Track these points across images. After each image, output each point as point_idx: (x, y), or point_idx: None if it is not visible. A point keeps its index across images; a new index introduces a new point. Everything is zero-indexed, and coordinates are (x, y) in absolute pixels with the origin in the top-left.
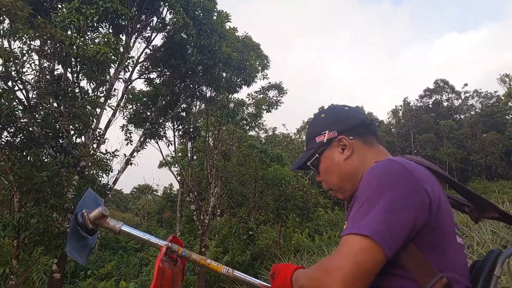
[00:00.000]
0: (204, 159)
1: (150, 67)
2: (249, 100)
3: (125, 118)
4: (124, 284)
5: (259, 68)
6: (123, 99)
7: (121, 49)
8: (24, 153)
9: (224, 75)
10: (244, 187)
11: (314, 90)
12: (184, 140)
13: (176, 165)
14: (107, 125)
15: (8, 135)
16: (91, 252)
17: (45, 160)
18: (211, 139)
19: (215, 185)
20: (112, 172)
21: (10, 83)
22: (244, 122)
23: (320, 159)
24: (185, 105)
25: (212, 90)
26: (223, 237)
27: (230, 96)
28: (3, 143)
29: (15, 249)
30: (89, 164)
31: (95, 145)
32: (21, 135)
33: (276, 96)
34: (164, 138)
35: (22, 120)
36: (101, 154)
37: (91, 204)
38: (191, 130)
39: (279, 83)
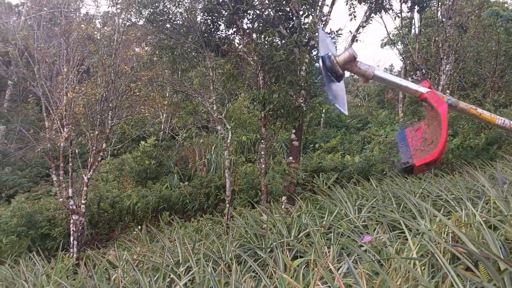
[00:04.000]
0: (433, 34)
1: None
2: None
3: None
4: (349, 158)
5: None
6: None
7: None
8: (263, 35)
9: None
10: (480, 65)
11: None
12: (411, 12)
13: (400, 42)
14: (333, 3)
15: (248, 21)
16: (318, 128)
17: (280, 41)
18: (443, 9)
19: (447, 62)
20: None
21: None
22: None
23: None
24: None
25: None
26: (452, 119)
27: None
28: (246, 27)
29: (263, 119)
30: (317, 43)
31: (322, 24)
32: (258, 19)
33: None
34: (390, 11)
35: (258, 4)
36: (327, 33)
37: (329, 47)
38: None
39: None
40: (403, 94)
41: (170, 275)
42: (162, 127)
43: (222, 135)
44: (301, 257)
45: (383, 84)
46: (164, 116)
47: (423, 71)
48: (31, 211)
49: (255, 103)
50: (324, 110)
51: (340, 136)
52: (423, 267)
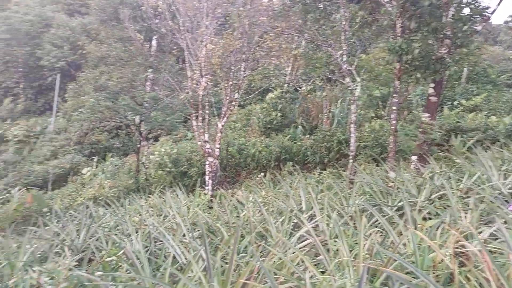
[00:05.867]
0: None
1: None
2: None
3: None
4: (495, 119)
5: None
6: None
7: None
8: None
9: None
10: None
11: None
12: None
13: None
14: None
15: None
16: (458, 84)
17: None
18: None
19: None
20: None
21: None
22: None
23: None
24: None
25: None
26: None
27: None
28: None
29: (398, 71)
30: None
31: None
32: None
33: None
34: None
35: None
36: None
37: None
38: None
39: None
40: None
41: (294, 219)
42: (287, 79)
43: (350, 88)
44: (430, 219)
45: None
46: (290, 68)
47: None
48: (177, 152)
49: (390, 53)
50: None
51: (485, 94)
52: None
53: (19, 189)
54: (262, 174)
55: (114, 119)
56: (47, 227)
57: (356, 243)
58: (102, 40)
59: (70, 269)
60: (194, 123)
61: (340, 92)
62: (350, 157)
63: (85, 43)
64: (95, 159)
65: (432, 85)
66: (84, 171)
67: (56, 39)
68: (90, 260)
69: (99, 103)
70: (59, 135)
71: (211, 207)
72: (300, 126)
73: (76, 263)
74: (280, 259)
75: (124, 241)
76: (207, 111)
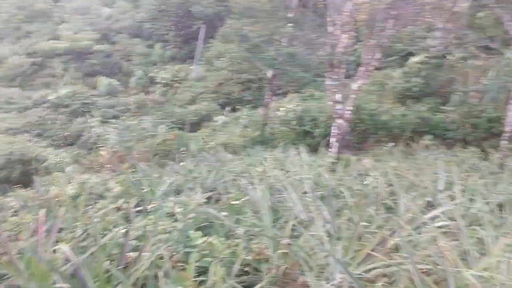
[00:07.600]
0: None
1: None
2: None
3: None
4: None
5: None
6: None
7: None
8: None
9: None
10: None
11: None
12: None
13: None
14: None
15: None
16: None
17: None
18: None
19: None
20: None
21: None
22: None
23: None
24: None
25: None
26: None
27: None
28: None
29: None
30: None
31: None
32: None
33: None
34: None
35: None
36: None
37: None
38: None
39: None
40: None
41: (428, 197)
42: (435, 42)
43: None
44: None
45: None
46: (440, 31)
47: None
48: (302, 110)
49: None
50: None
51: None
52: None
53: (167, 127)
54: (393, 143)
55: (249, 71)
56: (182, 163)
57: (505, 236)
58: None
59: (200, 205)
60: (329, 81)
61: (498, 63)
62: (504, 137)
63: None
64: (228, 108)
65: None
66: (216, 118)
67: None
68: (217, 200)
69: (240, 53)
70: (199, 82)
71: (333, 170)
72: (451, 96)
73: (205, 200)
74: (410, 236)
75: (248, 188)
76: (342, 70)
